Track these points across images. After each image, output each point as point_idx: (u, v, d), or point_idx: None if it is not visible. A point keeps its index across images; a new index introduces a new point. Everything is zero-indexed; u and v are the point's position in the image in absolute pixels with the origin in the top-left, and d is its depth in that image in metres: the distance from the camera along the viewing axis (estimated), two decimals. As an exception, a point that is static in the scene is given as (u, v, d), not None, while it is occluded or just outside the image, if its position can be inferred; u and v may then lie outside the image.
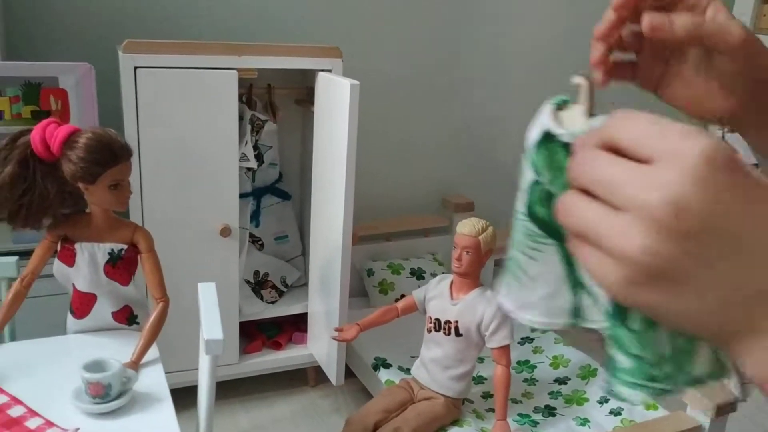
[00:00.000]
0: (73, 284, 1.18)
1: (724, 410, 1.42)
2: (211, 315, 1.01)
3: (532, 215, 0.64)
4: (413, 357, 1.68)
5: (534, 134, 0.51)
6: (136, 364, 1.12)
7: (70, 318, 1.21)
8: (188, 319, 1.61)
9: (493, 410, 1.56)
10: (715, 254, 0.41)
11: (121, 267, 1.17)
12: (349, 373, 1.88)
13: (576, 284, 0.59)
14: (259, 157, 1.67)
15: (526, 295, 0.70)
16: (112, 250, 1.16)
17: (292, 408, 1.79)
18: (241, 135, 1.59)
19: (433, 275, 2.12)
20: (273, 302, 1.81)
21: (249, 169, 1.70)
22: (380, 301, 2.10)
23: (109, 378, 1.00)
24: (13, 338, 1.24)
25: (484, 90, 2.31)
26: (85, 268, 1.15)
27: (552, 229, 0.59)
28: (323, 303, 1.75)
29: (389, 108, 2.19)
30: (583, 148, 0.43)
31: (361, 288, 2.14)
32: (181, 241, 1.56)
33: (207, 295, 1.08)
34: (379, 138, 2.20)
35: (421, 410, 1.46)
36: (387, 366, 1.68)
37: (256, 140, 1.68)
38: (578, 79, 0.52)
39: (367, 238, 2.18)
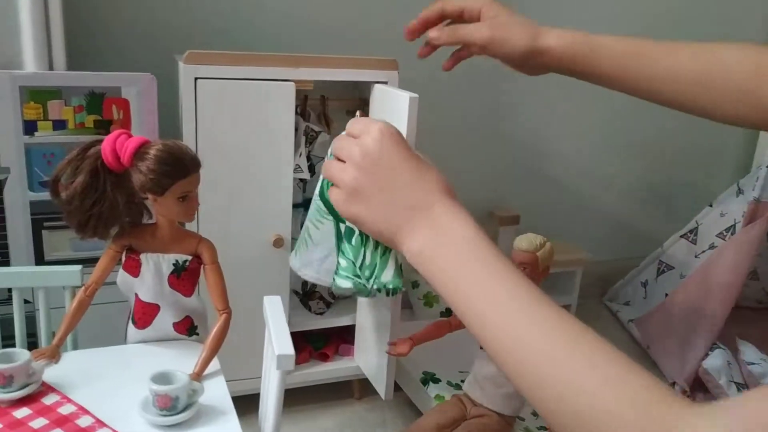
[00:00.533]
0: (136, 294, 1.19)
1: None
2: (280, 329, 1.01)
3: (321, 197, 1.06)
4: (462, 372, 1.66)
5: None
6: (198, 376, 1.12)
7: (131, 327, 1.21)
8: (239, 328, 1.61)
9: (545, 428, 1.54)
10: (383, 183, 0.83)
11: (185, 278, 1.17)
12: (395, 387, 1.87)
13: (340, 251, 1.02)
14: (311, 168, 1.67)
15: (309, 256, 1.13)
16: (177, 261, 1.16)
17: (337, 421, 1.78)
18: (296, 146, 1.59)
19: (478, 289, 2.09)
20: (320, 313, 1.80)
21: (301, 180, 1.70)
22: (425, 313, 2.09)
23: (177, 390, 1.00)
24: (75, 346, 1.25)
25: (534, 102, 2.29)
26: (149, 278, 1.15)
27: (333, 210, 0.99)
28: (371, 315, 1.74)
29: (439, 119, 2.18)
30: (338, 137, 0.89)
31: (405, 300, 2.13)
32: (235, 251, 1.56)
33: (274, 308, 1.07)
34: (428, 150, 2.18)
35: (473, 428, 1.45)
36: (436, 381, 1.67)
37: (309, 151, 1.68)
38: (358, 112, 1.03)
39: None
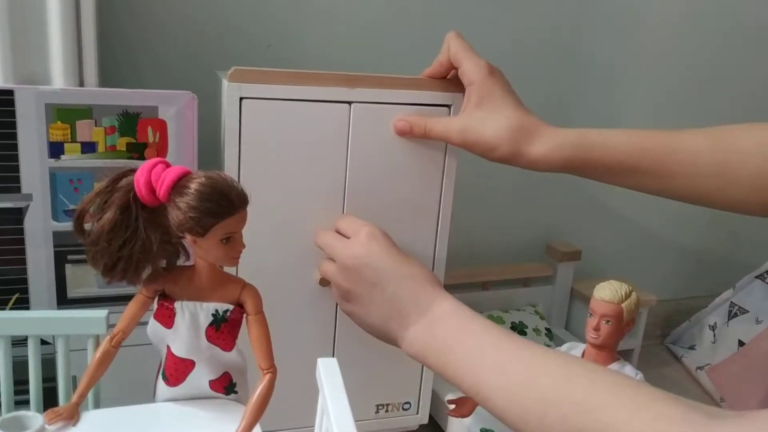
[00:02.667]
0: (168, 347, 1.03)
1: None
2: (339, 402, 0.84)
3: None
4: None
5: None
6: (240, 447, 0.96)
7: (161, 384, 1.06)
8: (285, 377, 1.46)
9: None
10: (371, 284, 0.98)
11: (225, 330, 1.01)
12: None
13: None
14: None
15: None
16: (217, 311, 1.00)
17: (384, 478, 1.60)
18: (347, 174, 1.43)
19: (536, 331, 1.93)
20: (366, 357, 1.63)
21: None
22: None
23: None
24: (97, 404, 1.10)
25: (598, 117, 2.11)
26: (185, 330, 1.00)
27: None
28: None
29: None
30: (325, 231, 1.15)
31: (454, 341, 1.95)
32: (279, 292, 1.40)
33: (331, 377, 0.91)
34: (479, 177, 2.02)
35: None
36: (496, 439, 1.49)
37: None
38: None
39: (462, 287, 2.00)
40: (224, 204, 0.92)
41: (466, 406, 1.35)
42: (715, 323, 2.23)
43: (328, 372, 0.91)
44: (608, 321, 1.26)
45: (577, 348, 1.35)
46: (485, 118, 1.19)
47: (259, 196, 1.34)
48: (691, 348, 2.29)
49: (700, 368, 2.15)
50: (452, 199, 1.50)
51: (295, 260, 1.42)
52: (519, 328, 1.92)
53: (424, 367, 1.60)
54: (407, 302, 0.93)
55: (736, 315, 2.16)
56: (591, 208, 2.18)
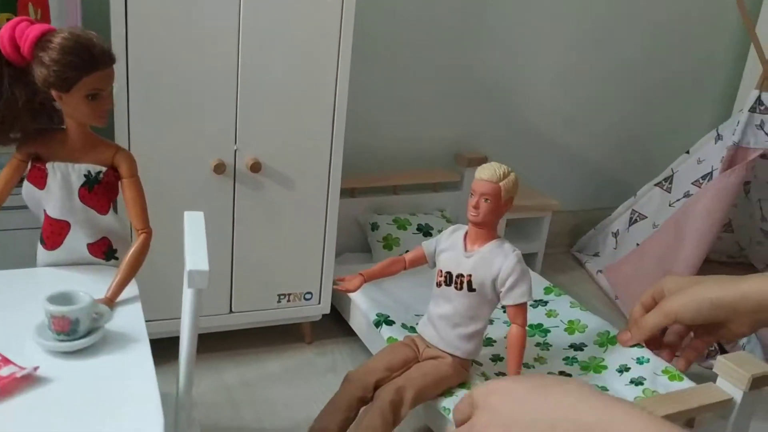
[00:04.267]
0: (45, 210, 1.05)
1: (760, 383, 1.30)
2: (197, 245, 0.88)
3: None
4: (418, 315, 1.56)
5: None
6: (111, 301, 0.99)
7: (40, 249, 1.08)
8: (175, 265, 1.48)
9: (503, 374, 1.44)
10: None
11: (98, 192, 1.03)
12: (348, 332, 1.77)
13: None
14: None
15: None
16: (89, 172, 1.02)
17: (285, 365, 1.67)
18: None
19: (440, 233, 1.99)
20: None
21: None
22: (384, 256, 1.96)
23: (76, 312, 0.87)
24: (-24, 269, 1.11)
25: (504, 39, 2.15)
26: (57, 191, 1.01)
27: None
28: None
29: (402, 55, 2.04)
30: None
31: (363, 242, 2.01)
32: (170, 176, 1.43)
33: (194, 224, 0.94)
34: (388, 86, 2.05)
35: (426, 370, 1.34)
36: (390, 323, 1.56)
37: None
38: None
39: (373, 191, 2.05)
40: (87, 58, 0.93)
41: (353, 281, 1.41)
42: (618, 230, 2.33)
43: (192, 223, 0.94)
44: (487, 199, 1.32)
45: (461, 230, 1.41)
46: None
47: (149, 76, 1.35)
48: (596, 255, 2.40)
49: (600, 271, 2.26)
50: (348, 88, 1.52)
51: (189, 145, 1.43)
52: (425, 230, 1.98)
53: (325, 258, 1.65)
54: None
55: (636, 221, 2.27)
56: (498, 118, 2.23)
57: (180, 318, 1.53)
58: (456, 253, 1.37)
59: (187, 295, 0.86)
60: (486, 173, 1.32)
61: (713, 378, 1.37)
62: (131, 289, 1.04)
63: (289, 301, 1.65)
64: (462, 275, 1.35)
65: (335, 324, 1.82)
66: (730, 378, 1.31)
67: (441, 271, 1.39)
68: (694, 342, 1.34)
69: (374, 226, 1.97)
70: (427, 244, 1.44)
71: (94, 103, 0.96)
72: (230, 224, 1.53)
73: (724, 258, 2.44)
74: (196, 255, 0.85)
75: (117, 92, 1.33)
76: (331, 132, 1.54)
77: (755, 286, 1.29)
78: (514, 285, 1.31)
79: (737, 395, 1.31)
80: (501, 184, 1.31)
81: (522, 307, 1.33)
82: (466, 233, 1.39)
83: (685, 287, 1.38)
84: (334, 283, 1.46)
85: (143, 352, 0.91)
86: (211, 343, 1.69)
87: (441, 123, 2.16)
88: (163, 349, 1.62)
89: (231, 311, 1.60)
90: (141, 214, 1.04)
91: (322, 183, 1.57)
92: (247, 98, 1.44)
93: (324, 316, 1.74)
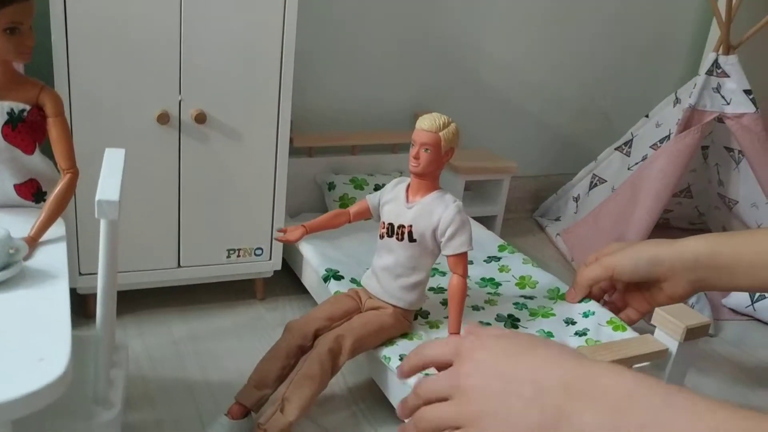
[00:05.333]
0: (-31, 150, 1.04)
1: (694, 334, 1.31)
2: (111, 177, 0.87)
3: None
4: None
5: None
6: (34, 241, 0.98)
7: (-34, 189, 1.07)
8: (129, 218, 1.48)
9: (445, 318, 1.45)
10: (504, 398, 0.68)
11: (23, 131, 1.02)
12: (301, 289, 1.77)
13: None
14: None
15: None
16: (12, 110, 1.01)
17: (235, 320, 1.67)
18: None
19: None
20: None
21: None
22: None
23: (-13, 244, 0.87)
24: None
25: (465, 1, 2.14)
26: (-21, 128, 1.00)
27: None
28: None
29: (361, 12, 2.03)
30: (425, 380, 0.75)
31: (321, 202, 2.01)
32: (112, 127, 1.41)
33: (112, 159, 0.93)
34: (348, 45, 2.04)
35: (367, 320, 1.34)
36: (339, 278, 1.56)
37: None
38: None
39: (331, 150, 2.04)
40: (2, -11, 0.92)
41: (294, 232, 1.41)
42: (579, 195, 2.34)
43: (111, 159, 0.94)
44: (427, 149, 1.31)
45: (404, 182, 1.41)
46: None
47: (89, 20, 1.33)
48: (557, 219, 2.41)
49: (559, 235, 2.27)
50: (295, 40, 1.51)
51: (131, 95, 1.42)
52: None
53: (276, 213, 1.65)
54: (559, 394, 0.65)
55: (596, 185, 2.28)
56: (456, 79, 2.23)
57: (140, 270, 1.55)
58: (398, 205, 1.37)
59: (102, 227, 0.86)
60: (426, 123, 1.32)
61: (653, 331, 1.39)
62: (57, 230, 1.03)
63: (239, 256, 1.65)
64: (403, 226, 1.35)
65: (289, 280, 1.82)
66: (666, 329, 1.33)
67: (384, 223, 1.39)
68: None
69: (331, 186, 1.97)
70: (372, 197, 1.44)
71: (14, 38, 0.95)
72: (176, 176, 1.52)
73: (685, 224, 2.46)
74: (107, 186, 0.85)
75: (55, 40, 1.33)
76: (278, 86, 1.52)
77: (691, 245, 1.39)
78: (453, 235, 1.32)
79: (672, 346, 1.33)
80: (441, 133, 1.31)
81: (462, 257, 1.33)
82: (409, 185, 1.39)
83: (626, 248, 1.49)
84: (276, 234, 1.46)
85: (60, 289, 0.90)
86: (160, 298, 1.69)
87: (401, 85, 2.15)
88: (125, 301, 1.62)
89: (179, 265, 1.60)
90: (67, 154, 1.03)
91: (271, 136, 1.56)
92: (190, 48, 1.43)
93: (277, 272, 1.74)
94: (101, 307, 0.88)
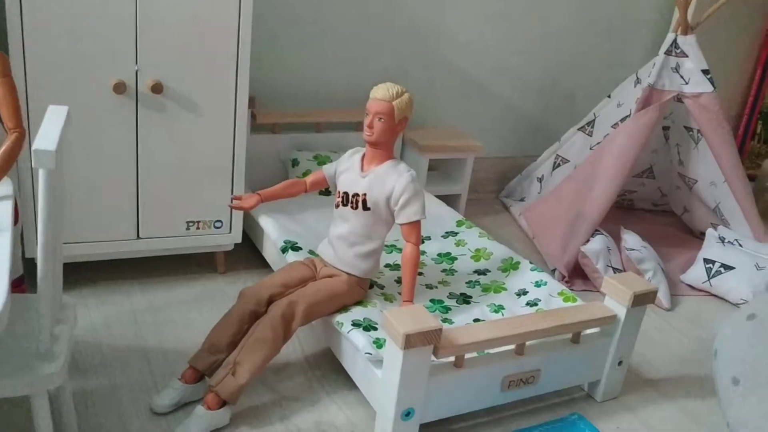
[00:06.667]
0: None
1: (641, 300, 1.34)
2: (51, 129, 0.88)
3: None
4: (327, 242, 1.57)
5: None
6: (-20, 197, 0.99)
7: None
8: (77, 191, 1.47)
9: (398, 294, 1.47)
10: None
11: (-32, 91, 1.02)
12: (262, 263, 1.78)
13: None
14: None
15: None
16: (-44, 68, 1.01)
17: (195, 292, 1.68)
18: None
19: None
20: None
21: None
22: (303, 192, 1.98)
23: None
24: None
25: (430, -22, 2.15)
26: None
27: None
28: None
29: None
30: None
31: (284, 178, 2.00)
32: (69, 96, 1.41)
33: (54, 114, 0.94)
34: (313, 23, 2.04)
35: (320, 286, 1.36)
36: (297, 249, 1.57)
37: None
38: None
39: (295, 127, 2.05)
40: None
41: (248, 200, 1.42)
42: (543, 175, 2.37)
43: (53, 113, 0.94)
44: (381, 118, 1.33)
45: (359, 152, 1.42)
46: None
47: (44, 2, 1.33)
48: (522, 200, 2.44)
49: (522, 214, 2.30)
50: (251, 20, 1.50)
51: (87, 64, 1.41)
52: (345, 166, 1.99)
53: (235, 186, 1.65)
54: None
55: (559, 165, 2.31)
56: (420, 58, 2.23)
57: (99, 241, 1.55)
58: (353, 174, 1.39)
59: (39, 176, 0.86)
60: (379, 92, 1.33)
61: (602, 299, 1.42)
62: (4, 188, 1.04)
63: (198, 228, 1.65)
64: (357, 194, 1.36)
65: (250, 254, 1.83)
66: (614, 296, 1.36)
67: (339, 192, 1.40)
68: None
69: (294, 162, 1.98)
70: (328, 167, 1.46)
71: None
72: (134, 147, 1.52)
73: (648, 205, 2.50)
74: (45, 136, 0.85)
75: (9, 5, 1.32)
76: (236, 57, 1.53)
77: None
78: (406, 203, 1.34)
79: (621, 312, 1.36)
80: (394, 103, 1.33)
81: (415, 225, 1.35)
82: (364, 155, 1.40)
83: None
84: (231, 202, 1.47)
85: (2, 243, 0.91)
86: (121, 269, 1.69)
87: (366, 63, 2.16)
88: (86, 271, 1.63)
89: (138, 237, 1.60)
90: (13, 114, 1.03)
91: (229, 108, 1.56)
92: (146, 17, 1.43)
93: (238, 246, 1.75)
94: (42, 262, 0.88)
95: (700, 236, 2.26)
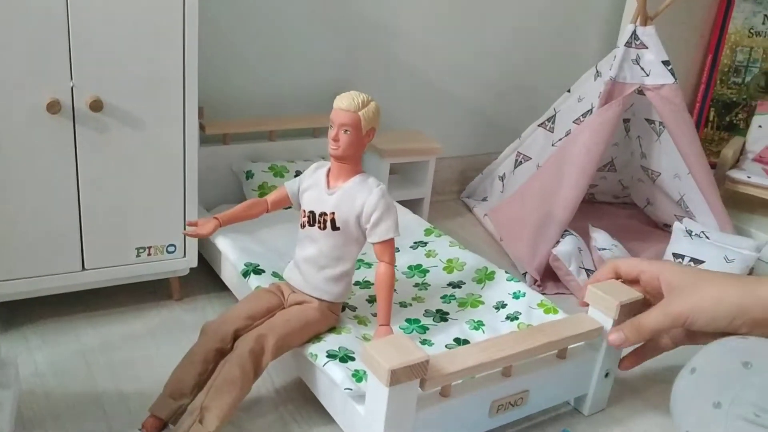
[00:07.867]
0: None
1: (628, 310, 1.28)
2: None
3: None
4: (291, 263, 1.47)
5: None
6: None
7: None
8: (23, 220, 1.34)
9: (374, 315, 1.38)
10: None
11: None
12: (221, 286, 1.66)
13: None
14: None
15: None
16: None
17: (150, 324, 1.55)
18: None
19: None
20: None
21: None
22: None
23: None
24: None
25: (381, -26, 2.06)
26: None
27: None
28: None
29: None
30: None
31: (240, 193, 1.90)
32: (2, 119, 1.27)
33: None
34: (261, 26, 1.93)
35: (290, 316, 1.26)
36: (259, 272, 1.47)
37: None
38: None
39: (247, 137, 1.93)
40: None
41: (206, 226, 1.30)
42: (504, 174, 2.31)
43: None
44: (347, 130, 1.23)
45: (323, 167, 1.32)
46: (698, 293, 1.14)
47: None
48: (484, 200, 2.37)
49: (486, 215, 2.23)
50: (197, 28, 1.39)
51: (14, 83, 1.26)
52: (303, 176, 1.89)
53: (187, 207, 1.53)
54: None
55: (521, 163, 2.25)
56: (377, 62, 2.15)
57: (40, 276, 1.41)
58: (318, 191, 1.29)
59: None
60: (344, 102, 1.23)
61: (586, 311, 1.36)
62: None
63: (150, 254, 1.53)
64: (325, 213, 1.27)
65: (207, 278, 1.71)
66: (600, 306, 1.30)
67: (304, 211, 1.30)
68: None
69: (249, 175, 1.86)
70: (291, 184, 1.35)
71: None
72: (73, 171, 1.38)
73: (609, 198, 2.47)
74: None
75: None
76: (182, 67, 1.41)
77: None
78: (378, 221, 1.24)
79: (607, 323, 1.29)
80: (360, 113, 1.23)
81: (388, 244, 1.26)
82: (329, 170, 1.31)
83: (691, 284, 1.14)
84: (187, 229, 1.35)
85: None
86: (66, 305, 1.55)
87: (320, 66, 2.05)
88: (20, 310, 1.48)
89: (84, 268, 1.47)
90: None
91: (177, 123, 1.44)
92: (80, 26, 1.29)
93: (194, 270, 1.63)
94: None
95: (665, 228, 2.24)
